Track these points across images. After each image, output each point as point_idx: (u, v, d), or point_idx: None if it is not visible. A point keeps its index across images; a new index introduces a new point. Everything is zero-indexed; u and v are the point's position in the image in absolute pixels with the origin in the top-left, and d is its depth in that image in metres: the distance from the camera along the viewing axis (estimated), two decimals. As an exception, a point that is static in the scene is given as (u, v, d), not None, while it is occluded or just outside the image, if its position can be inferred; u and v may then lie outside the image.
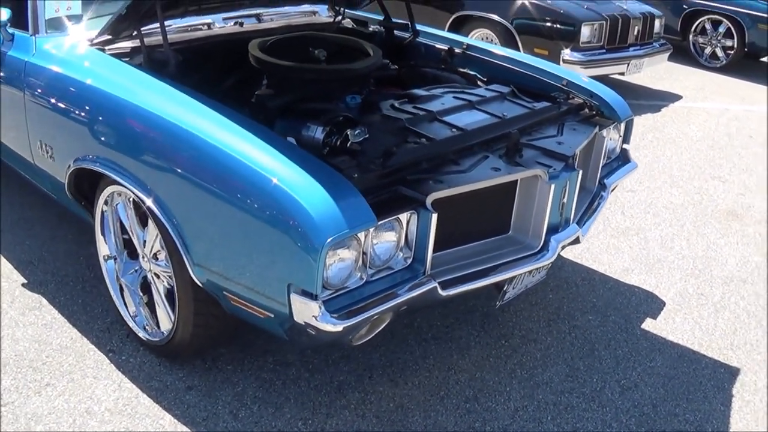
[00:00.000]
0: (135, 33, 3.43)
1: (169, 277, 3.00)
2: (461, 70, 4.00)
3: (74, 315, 3.56)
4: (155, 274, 3.14)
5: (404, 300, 2.53)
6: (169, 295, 3.11)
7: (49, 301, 3.68)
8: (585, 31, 7.28)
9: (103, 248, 3.42)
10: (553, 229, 3.01)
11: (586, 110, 3.57)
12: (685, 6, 10.28)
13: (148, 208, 2.84)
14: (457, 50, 4.08)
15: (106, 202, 3.27)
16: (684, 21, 10.32)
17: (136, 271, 3.32)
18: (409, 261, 2.64)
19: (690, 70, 9.91)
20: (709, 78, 9.64)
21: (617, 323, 3.68)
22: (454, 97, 3.34)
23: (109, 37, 3.47)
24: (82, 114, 3.19)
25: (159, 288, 3.15)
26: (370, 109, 3.25)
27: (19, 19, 3.71)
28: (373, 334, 2.64)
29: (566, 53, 7.18)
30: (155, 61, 3.33)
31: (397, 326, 2.73)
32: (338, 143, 2.83)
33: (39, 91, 3.48)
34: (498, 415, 3.01)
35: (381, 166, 2.62)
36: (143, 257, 3.17)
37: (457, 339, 3.44)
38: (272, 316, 2.57)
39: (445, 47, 4.14)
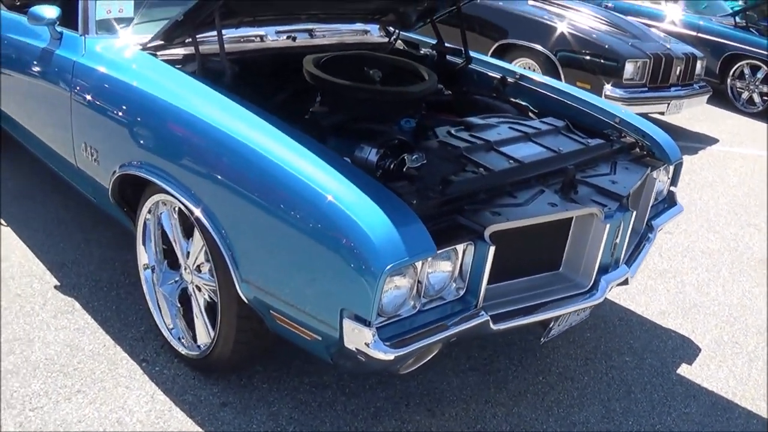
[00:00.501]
0: (189, 40, 3.41)
1: (212, 291, 2.95)
2: (513, 100, 3.96)
3: (108, 321, 3.53)
4: (196, 286, 3.10)
5: (456, 332, 2.48)
6: (209, 308, 3.06)
7: (82, 305, 3.64)
8: (629, 68, 7.26)
9: (143, 257, 3.38)
10: (603, 269, 2.96)
11: (638, 150, 3.52)
12: (725, 50, 10.25)
13: (196, 219, 2.80)
14: (510, 79, 4.04)
15: (149, 210, 3.23)
16: (723, 64, 10.28)
17: (175, 281, 3.28)
18: (462, 292, 2.58)
19: (726, 113, 9.87)
20: (746, 123, 9.58)
21: (653, 366, 3.62)
22: (510, 128, 3.30)
23: (162, 42, 3.45)
24: (132, 119, 3.17)
25: (199, 300, 3.11)
26: (424, 133, 3.20)
27: (68, 18, 3.70)
28: (420, 364, 2.59)
29: (608, 89, 7.15)
30: (209, 71, 3.30)
31: (435, 355, 2.68)
32: (392, 167, 2.79)
33: (87, 92, 3.45)
34: (534, 453, 2.97)
35: (440, 194, 2.57)
36: (185, 268, 3.13)
37: (495, 372, 3.39)
38: (320, 339, 2.51)
39: (497, 76, 4.10)
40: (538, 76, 4.13)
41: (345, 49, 3.93)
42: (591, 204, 2.82)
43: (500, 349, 3.54)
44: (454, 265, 2.51)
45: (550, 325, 2.91)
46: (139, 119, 3.14)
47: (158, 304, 3.36)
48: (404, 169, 2.73)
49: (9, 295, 3.67)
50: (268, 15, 3.80)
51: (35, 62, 3.88)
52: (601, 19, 8.03)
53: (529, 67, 7.62)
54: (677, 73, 7.75)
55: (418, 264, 2.37)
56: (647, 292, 4.37)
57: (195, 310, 3.14)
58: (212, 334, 3.03)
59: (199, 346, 3.16)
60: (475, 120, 3.37)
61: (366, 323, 2.30)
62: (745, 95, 10.28)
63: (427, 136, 3.12)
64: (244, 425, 2.91)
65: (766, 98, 10.06)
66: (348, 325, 2.33)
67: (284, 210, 2.49)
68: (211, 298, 3.03)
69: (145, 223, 3.29)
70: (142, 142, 3.12)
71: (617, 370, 3.55)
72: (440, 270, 2.49)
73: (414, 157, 2.72)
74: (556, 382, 3.39)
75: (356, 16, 4.35)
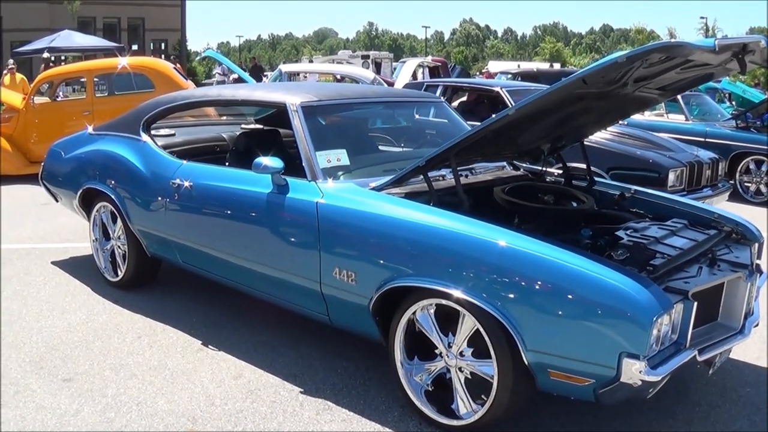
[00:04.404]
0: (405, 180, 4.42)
1: (474, 369, 3.85)
2: (632, 209, 5.15)
3: (365, 412, 4.30)
4: (458, 368, 3.90)
5: (685, 360, 3.64)
6: (468, 383, 3.90)
7: (334, 403, 4.38)
8: (671, 177, 8.62)
9: (399, 355, 4.16)
10: (745, 316, 4.23)
11: (734, 235, 4.78)
12: (731, 150, 11.73)
13: (479, 310, 3.68)
14: (627, 194, 5.24)
15: (413, 313, 4.02)
16: (731, 162, 11.64)
17: (428, 371, 4.08)
18: (675, 338, 3.71)
19: (739, 205, 11.13)
20: (759, 212, 10.91)
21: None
22: (659, 228, 4.49)
23: (387, 183, 4.34)
24: (397, 243, 4.00)
25: (461, 379, 3.91)
26: (607, 237, 4.29)
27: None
28: (654, 391, 3.65)
29: (654, 197, 8.49)
30: (444, 203, 4.14)
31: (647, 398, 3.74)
32: None
33: (339, 226, 4.24)
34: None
35: (652, 273, 3.78)
36: (447, 356, 3.93)
37: (665, 410, 4.48)
38: (592, 381, 3.49)
39: (617, 192, 5.28)
40: (648, 190, 5.37)
41: (503, 183, 4.98)
42: (733, 272, 4.12)
43: (659, 395, 4.33)
44: (670, 318, 3.63)
45: (715, 360, 4.08)
46: (406, 242, 3.96)
47: (412, 392, 4.13)
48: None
49: (266, 401, 4.42)
50: (479, 156, 4.93)
51: (258, 205, 4.71)
52: (636, 137, 9.46)
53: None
54: (706, 176, 9.16)
55: (663, 317, 3.50)
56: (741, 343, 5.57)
57: (457, 387, 3.93)
58: (472, 404, 3.85)
59: (461, 416, 3.93)
60: (635, 224, 4.58)
61: (639, 358, 3.38)
62: (752, 188, 11.78)
63: (614, 239, 4.27)
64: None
65: (771, 188, 11.56)
66: (626, 362, 3.36)
67: (570, 292, 3.48)
68: (469, 375, 3.87)
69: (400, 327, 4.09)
70: (414, 259, 3.91)
71: (744, 397, 4.73)
72: (666, 323, 3.54)
73: (619, 252, 3.94)
74: (708, 410, 4.55)
75: (510, 155, 5.48)
